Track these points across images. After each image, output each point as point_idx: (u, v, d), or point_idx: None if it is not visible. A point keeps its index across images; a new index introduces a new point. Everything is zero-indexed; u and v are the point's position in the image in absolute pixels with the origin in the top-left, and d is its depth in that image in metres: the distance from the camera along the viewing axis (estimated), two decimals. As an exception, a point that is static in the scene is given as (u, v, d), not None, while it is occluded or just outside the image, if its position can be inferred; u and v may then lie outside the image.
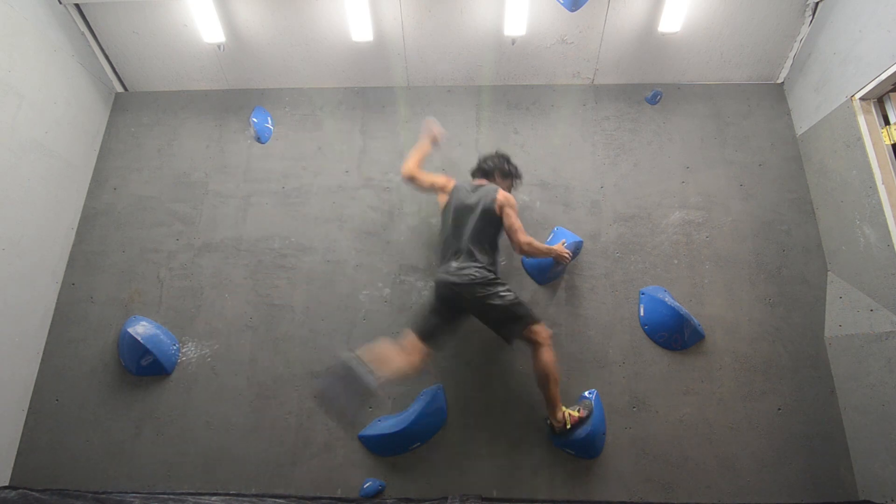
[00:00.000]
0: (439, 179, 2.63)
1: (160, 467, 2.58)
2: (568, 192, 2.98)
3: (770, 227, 2.82)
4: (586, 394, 2.58)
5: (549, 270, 2.76)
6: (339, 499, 2.46)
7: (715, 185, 2.93)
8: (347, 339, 2.77)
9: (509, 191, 2.64)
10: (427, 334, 2.33)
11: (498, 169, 2.63)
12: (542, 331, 2.31)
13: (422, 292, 2.83)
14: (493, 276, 2.31)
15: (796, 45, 2.97)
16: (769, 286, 2.72)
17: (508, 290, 2.31)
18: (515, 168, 2.70)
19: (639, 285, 2.78)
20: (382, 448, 2.55)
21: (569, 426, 2.37)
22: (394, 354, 2.27)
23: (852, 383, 2.44)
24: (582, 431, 2.42)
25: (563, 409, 2.38)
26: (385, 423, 2.57)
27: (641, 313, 2.71)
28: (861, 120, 2.46)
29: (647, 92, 3.15)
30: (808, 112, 2.88)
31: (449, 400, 2.63)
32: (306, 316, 2.82)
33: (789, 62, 3.04)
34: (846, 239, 2.57)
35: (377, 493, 2.48)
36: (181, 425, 2.65)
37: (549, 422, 2.42)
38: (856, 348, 2.42)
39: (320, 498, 2.45)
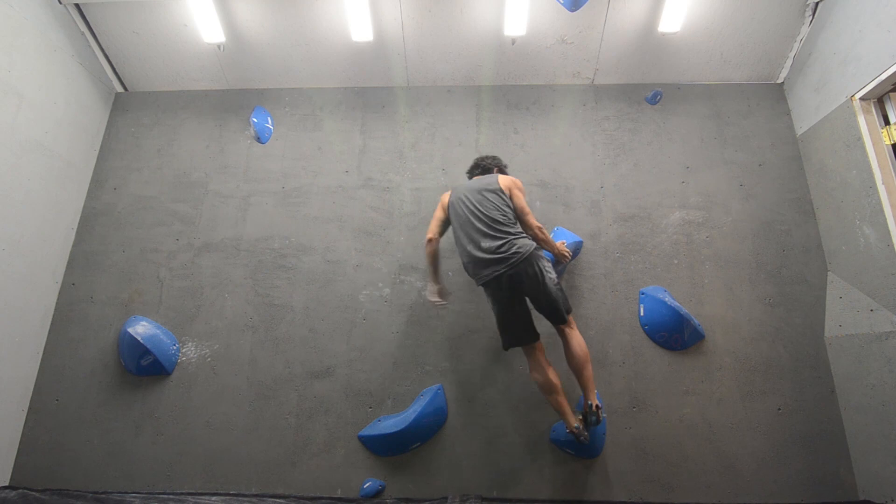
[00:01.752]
0: (440, 210, 2.54)
1: (160, 467, 2.58)
2: (568, 192, 2.98)
3: (770, 227, 2.82)
4: (586, 394, 2.58)
5: (549, 270, 2.75)
6: (339, 499, 2.46)
7: (715, 185, 2.93)
8: (347, 338, 2.77)
9: None
10: (531, 333, 2.28)
11: (495, 165, 2.67)
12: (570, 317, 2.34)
13: (421, 292, 2.83)
14: (535, 245, 2.26)
15: (796, 45, 2.97)
16: (769, 286, 2.71)
17: (551, 269, 2.29)
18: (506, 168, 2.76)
19: (639, 285, 2.77)
20: (382, 448, 2.55)
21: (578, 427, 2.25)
22: (555, 381, 2.24)
23: (852, 383, 2.44)
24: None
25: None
26: (385, 423, 2.57)
27: (641, 313, 2.71)
28: (861, 120, 2.46)
29: (647, 92, 3.15)
30: (808, 112, 2.88)
31: (449, 400, 2.63)
32: (306, 316, 2.82)
33: (789, 62, 3.04)
34: (846, 239, 2.57)
35: (377, 493, 2.48)
36: (181, 425, 2.65)
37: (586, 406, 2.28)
38: (856, 348, 2.42)
39: (320, 498, 2.45)
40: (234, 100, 3.31)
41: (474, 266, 2.29)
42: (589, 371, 2.25)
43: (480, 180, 2.49)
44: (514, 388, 2.63)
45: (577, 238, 2.79)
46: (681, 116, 3.09)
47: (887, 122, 2.44)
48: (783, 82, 3.11)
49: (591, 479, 2.47)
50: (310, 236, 2.98)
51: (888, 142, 2.41)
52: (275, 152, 3.18)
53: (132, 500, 2.39)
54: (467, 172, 2.76)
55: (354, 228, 2.98)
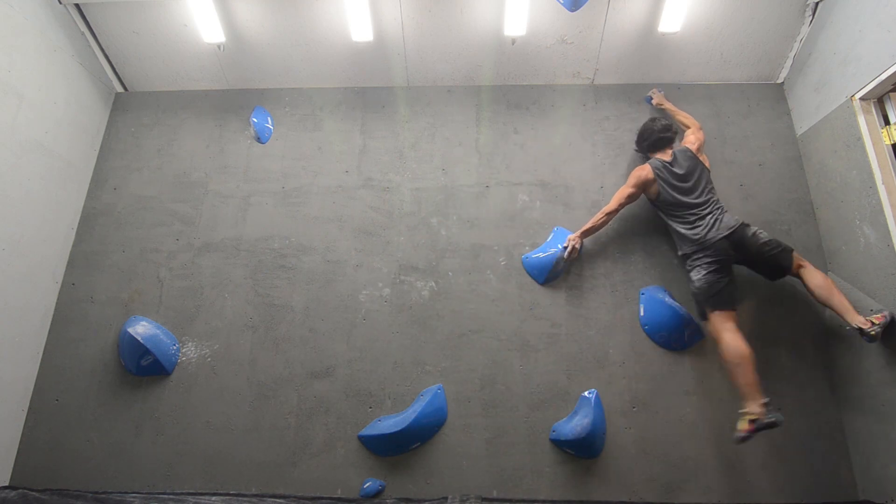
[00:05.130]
0: (637, 181, 2.67)
1: (160, 467, 2.58)
2: (568, 192, 2.98)
3: (770, 227, 2.82)
4: (586, 394, 2.58)
5: (549, 270, 2.76)
6: (339, 499, 2.46)
7: (715, 185, 2.92)
8: (347, 338, 2.77)
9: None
10: (735, 299, 2.43)
11: (675, 133, 2.82)
12: (797, 255, 2.46)
13: (421, 292, 2.83)
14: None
15: (796, 45, 2.97)
16: (769, 286, 2.71)
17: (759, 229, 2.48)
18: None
19: (639, 285, 2.77)
20: (382, 448, 2.55)
21: (877, 322, 2.15)
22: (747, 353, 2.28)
23: (852, 383, 2.43)
24: (582, 431, 2.43)
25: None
26: (385, 423, 2.57)
27: (641, 313, 2.71)
28: (861, 120, 2.46)
29: (647, 92, 3.15)
30: (808, 112, 2.88)
31: (449, 400, 2.63)
32: (306, 316, 2.82)
33: (789, 62, 3.04)
34: (846, 239, 2.57)
35: (377, 493, 2.48)
36: (181, 425, 2.65)
37: (854, 328, 2.21)
38: (856, 348, 2.42)
39: (320, 498, 2.45)
40: (234, 100, 3.31)
41: (712, 242, 2.44)
42: (840, 299, 2.30)
43: (681, 154, 2.68)
44: (513, 388, 2.63)
45: (577, 238, 2.80)
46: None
47: (887, 122, 2.44)
48: (783, 82, 3.11)
49: (591, 479, 2.47)
50: (310, 236, 2.98)
51: (888, 142, 2.41)
52: (275, 152, 3.18)
53: (132, 500, 2.40)
54: (648, 148, 2.85)
55: (354, 228, 2.98)
